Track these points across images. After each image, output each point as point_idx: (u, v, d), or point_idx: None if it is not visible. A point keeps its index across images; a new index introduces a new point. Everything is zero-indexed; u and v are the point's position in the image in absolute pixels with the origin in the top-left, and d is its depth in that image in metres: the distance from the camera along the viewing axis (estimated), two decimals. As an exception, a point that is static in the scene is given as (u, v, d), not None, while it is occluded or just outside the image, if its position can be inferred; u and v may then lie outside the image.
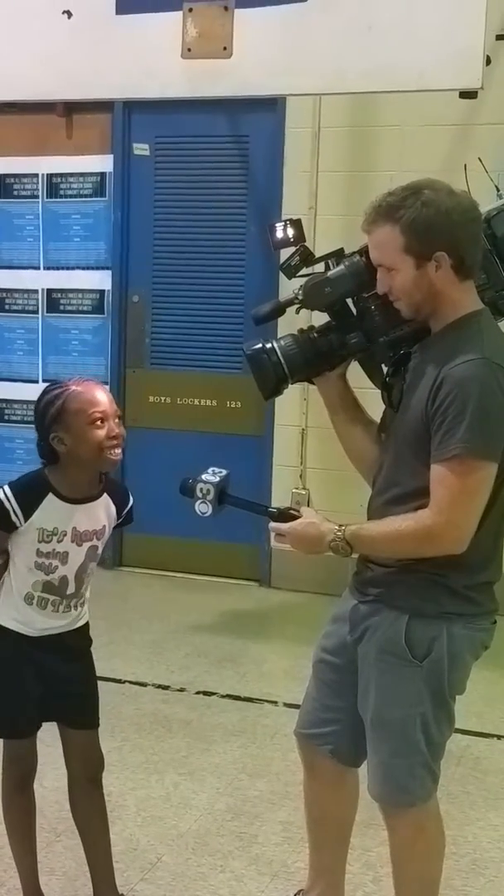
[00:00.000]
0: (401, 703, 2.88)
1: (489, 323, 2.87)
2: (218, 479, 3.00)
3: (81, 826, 3.28)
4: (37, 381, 6.91)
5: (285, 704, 4.88)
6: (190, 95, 5.16)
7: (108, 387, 3.11)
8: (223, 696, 5.09)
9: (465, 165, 3.27)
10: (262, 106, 6.18)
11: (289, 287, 3.11)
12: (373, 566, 2.94)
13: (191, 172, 6.70)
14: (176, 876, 3.60)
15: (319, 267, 3.06)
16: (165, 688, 5.17)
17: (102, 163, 6.83)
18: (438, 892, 3.09)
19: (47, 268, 7.05)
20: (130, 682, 5.19)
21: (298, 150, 6.31)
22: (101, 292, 6.93)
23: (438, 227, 2.76)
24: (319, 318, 3.10)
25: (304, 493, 6.48)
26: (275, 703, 4.99)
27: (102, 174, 6.84)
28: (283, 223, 3.11)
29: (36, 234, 7.05)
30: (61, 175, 6.95)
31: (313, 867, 3.30)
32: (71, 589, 3.09)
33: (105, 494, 3.11)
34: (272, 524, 2.99)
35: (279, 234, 3.11)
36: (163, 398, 6.88)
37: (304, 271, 3.08)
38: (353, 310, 3.03)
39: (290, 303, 3.06)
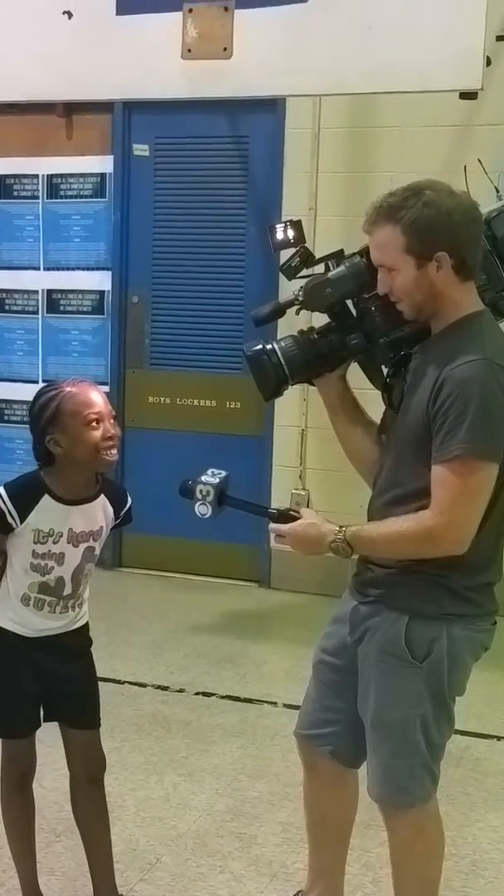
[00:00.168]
0: (401, 704, 2.88)
1: (490, 324, 2.87)
2: (217, 480, 3.00)
3: (82, 826, 3.28)
4: (37, 382, 6.90)
5: (285, 705, 4.88)
6: (190, 96, 5.16)
7: (102, 387, 3.11)
8: (223, 697, 5.09)
9: (465, 167, 3.27)
10: (262, 107, 6.18)
11: (288, 288, 3.11)
12: (373, 567, 2.94)
13: (191, 173, 6.70)
14: (175, 876, 3.60)
15: (319, 268, 3.06)
16: (165, 688, 5.17)
17: (102, 163, 6.83)
18: (438, 893, 3.10)
19: (47, 268, 7.05)
20: (130, 683, 5.19)
21: (298, 151, 6.31)
22: (101, 293, 6.93)
23: (439, 227, 2.76)
24: (319, 320, 3.10)
25: (303, 493, 6.47)
26: (274, 703, 4.99)
27: (102, 175, 6.84)
28: (283, 224, 3.11)
29: (36, 234, 7.05)
30: (61, 176, 6.94)
31: (313, 868, 3.30)
32: (67, 590, 3.09)
33: (102, 495, 3.11)
34: (272, 525, 2.99)
35: (279, 235, 3.11)
36: (162, 399, 6.88)
37: (304, 272, 3.08)
38: (354, 311, 3.04)
39: (290, 304, 3.06)
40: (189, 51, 4.87)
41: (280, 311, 3.11)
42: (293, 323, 3.27)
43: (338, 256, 3.04)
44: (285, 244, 3.11)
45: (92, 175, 6.87)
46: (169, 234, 6.80)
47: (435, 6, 4.57)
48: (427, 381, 2.79)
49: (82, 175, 6.90)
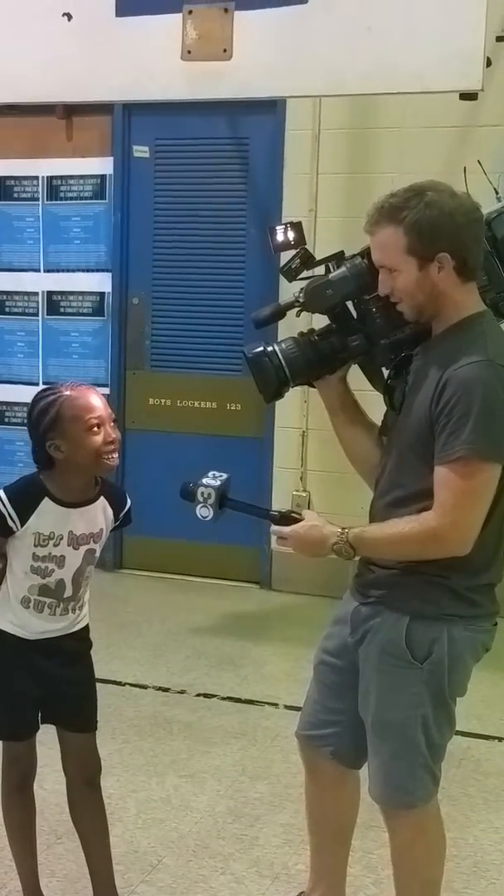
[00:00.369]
0: (401, 704, 2.88)
1: (492, 325, 2.87)
2: (219, 482, 3.00)
3: (81, 829, 3.27)
4: (37, 384, 6.89)
5: (286, 706, 4.88)
6: (190, 97, 5.17)
7: (102, 389, 3.11)
8: (224, 699, 5.09)
9: (465, 168, 3.27)
10: (261, 108, 6.18)
11: (288, 289, 3.11)
12: (374, 568, 2.94)
13: (191, 175, 6.70)
14: (176, 878, 3.60)
15: (320, 270, 3.06)
16: (166, 690, 5.17)
17: (102, 165, 6.84)
18: (439, 894, 3.09)
19: (47, 270, 7.05)
20: (131, 685, 5.18)
21: (298, 152, 6.32)
22: (102, 294, 6.93)
23: (441, 228, 2.76)
24: (319, 322, 3.10)
25: (304, 495, 6.47)
26: (275, 705, 4.99)
27: (102, 176, 6.84)
28: (283, 226, 3.11)
29: (36, 236, 7.05)
30: (61, 177, 6.95)
31: (314, 869, 3.30)
32: (68, 592, 3.09)
33: (102, 497, 3.10)
34: (274, 527, 2.99)
35: (280, 237, 3.11)
36: (163, 400, 6.88)
37: (304, 274, 3.08)
38: (354, 312, 3.04)
39: (290, 306, 3.06)
40: (189, 52, 4.87)
41: (280, 312, 3.11)
42: (293, 325, 3.27)
43: (338, 258, 3.04)
44: (286, 246, 3.11)
45: (92, 177, 6.88)
46: (169, 236, 6.80)
47: (435, 7, 4.57)
48: (429, 381, 2.79)
49: (82, 177, 6.91)
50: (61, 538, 3.03)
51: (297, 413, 6.33)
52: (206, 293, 6.72)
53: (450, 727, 2.95)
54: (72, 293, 7.02)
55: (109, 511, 3.13)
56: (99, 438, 2.95)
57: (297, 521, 2.95)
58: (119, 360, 6.92)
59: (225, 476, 3.03)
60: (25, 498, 3.01)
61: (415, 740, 2.88)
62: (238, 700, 5.07)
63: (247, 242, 6.55)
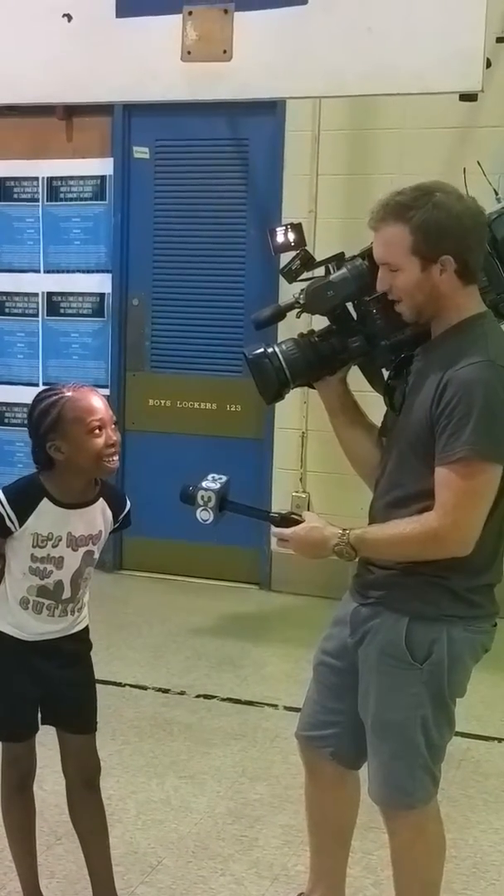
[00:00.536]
0: (401, 705, 2.88)
1: (493, 326, 2.87)
2: (218, 485, 2.99)
3: (80, 830, 3.27)
4: (37, 385, 6.89)
5: (286, 708, 4.88)
6: (190, 98, 5.17)
7: (102, 390, 3.10)
8: (223, 700, 5.09)
9: (465, 169, 3.26)
10: (261, 109, 6.18)
11: (288, 290, 3.11)
12: (373, 569, 2.94)
13: (191, 175, 6.70)
14: (176, 879, 3.60)
15: (320, 271, 3.06)
16: (166, 691, 5.16)
17: (102, 166, 6.84)
18: (439, 895, 3.09)
19: (47, 271, 7.05)
20: (131, 686, 5.18)
21: (298, 154, 6.32)
22: (101, 295, 6.93)
23: (448, 230, 2.76)
24: (319, 323, 3.10)
25: (304, 496, 6.47)
26: (275, 706, 4.99)
27: (102, 177, 6.84)
28: (283, 227, 3.11)
29: (36, 237, 7.05)
30: (61, 178, 6.95)
31: (314, 870, 3.30)
32: (66, 594, 3.09)
33: (101, 499, 3.10)
34: (275, 530, 2.98)
35: (280, 238, 3.11)
36: (163, 401, 6.88)
37: (304, 275, 3.08)
38: (355, 314, 3.04)
39: (290, 307, 3.06)
40: (189, 53, 4.87)
41: (281, 314, 3.11)
42: (293, 326, 3.27)
43: (338, 259, 3.04)
44: (286, 247, 3.11)
45: (92, 177, 6.88)
46: (169, 237, 6.80)
47: (435, 8, 4.57)
48: (430, 382, 2.79)
49: (82, 177, 6.91)
50: (60, 539, 3.03)
51: (297, 414, 6.33)
52: (206, 294, 6.72)
53: (449, 728, 2.95)
54: (72, 294, 7.02)
55: (109, 513, 3.13)
56: (100, 441, 2.95)
57: (297, 522, 2.95)
58: (119, 361, 6.92)
59: (224, 479, 3.02)
60: (24, 498, 3.01)
61: (414, 741, 2.88)
62: (238, 701, 5.07)
63: (247, 243, 6.55)
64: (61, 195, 6.97)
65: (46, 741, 3.23)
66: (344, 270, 2.99)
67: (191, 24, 4.85)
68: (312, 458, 6.43)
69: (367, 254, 2.95)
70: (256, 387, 3.07)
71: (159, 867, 3.67)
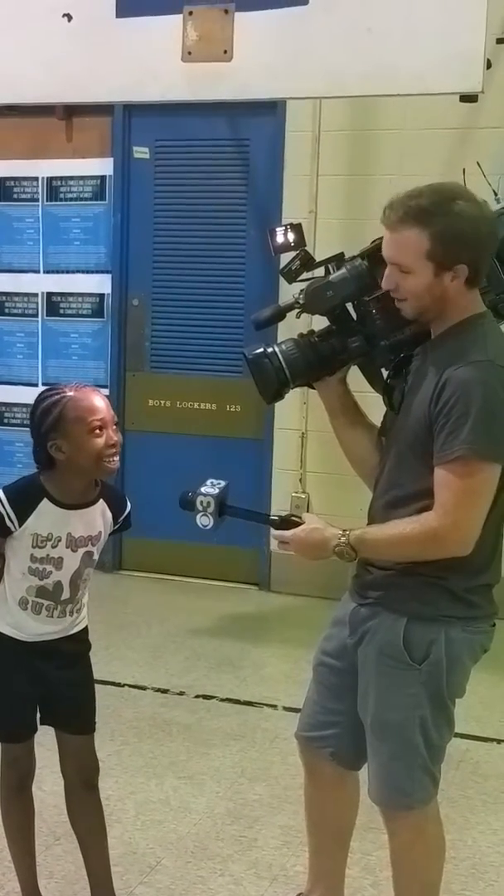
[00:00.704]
0: (400, 706, 2.88)
1: (492, 326, 2.87)
2: (217, 490, 2.99)
3: (79, 830, 3.27)
4: (36, 385, 6.90)
5: (285, 708, 4.88)
6: (190, 99, 5.16)
7: (102, 390, 3.10)
8: (223, 700, 5.08)
9: (464, 169, 3.26)
10: (262, 109, 6.18)
11: (288, 291, 3.11)
12: (372, 569, 2.94)
13: (191, 176, 6.69)
14: (175, 879, 3.60)
15: (320, 271, 3.06)
16: (165, 691, 5.16)
17: (102, 166, 6.83)
18: (438, 895, 3.09)
19: (47, 271, 7.05)
20: (130, 686, 5.18)
21: (298, 154, 6.31)
22: (101, 296, 6.93)
23: (467, 240, 2.75)
24: (319, 323, 3.10)
25: (303, 496, 6.47)
26: (274, 706, 4.99)
27: (102, 177, 6.84)
28: (283, 227, 3.11)
29: (36, 237, 7.05)
30: (61, 178, 6.95)
31: (313, 871, 3.30)
32: (65, 594, 3.08)
33: (101, 500, 3.10)
34: (275, 532, 2.98)
35: (280, 238, 3.11)
36: (162, 402, 6.88)
37: (304, 276, 3.07)
38: (354, 314, 3.04)
39: (290, 307, 3.06)
40: (189, 53, 4.87)
41: (280, 314, 3.11)
42: (293, 326, 3.27)
43: (338, 259, 3.04)
44: (285, 247, 3.11)
45: (92, 178, 6.88)
46: (169, 237, 6.80)
47: (435, 9, 4.56)
48: (429, 382, 2.79)
49: (82, 178, 6.90)
50: (59, 540, 3.03)
51: (297, 414, 6.33)
52: (205, 295, 6.72)
53: (449, 728, 2.95)
54: (71, 294, 7.01)
55: (108, 514, 3.13)
56: (101, 441, 2.95)
57: (297, 524, 2.95)
58: (119, 362, 6.91)
59: (223, 483, 3.02)
60: (24, 498, 3.01)
61: (413, 742, 2.88)
62: (237, 701, 5.07)
63: (247, 244, 6.54)
64: (61, 195, 6.96)
65: (45, 742, 3.23)
66: (343, 271, 2.99)
67: (191, 24, 4.84)
68: (312, 458, 6.43)
69: (367, 254, 2.95)
70: (256, 386, 3.07)
71: (158, 867, 3.67)
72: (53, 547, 3.03)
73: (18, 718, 3.16)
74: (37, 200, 7.01)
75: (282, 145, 6.37)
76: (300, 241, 3.10)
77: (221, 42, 4.81)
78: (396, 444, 2.91)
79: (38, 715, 3.18)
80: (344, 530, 2.87)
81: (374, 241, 2.92)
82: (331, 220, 6.08)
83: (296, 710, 3.32)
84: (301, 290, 3.03)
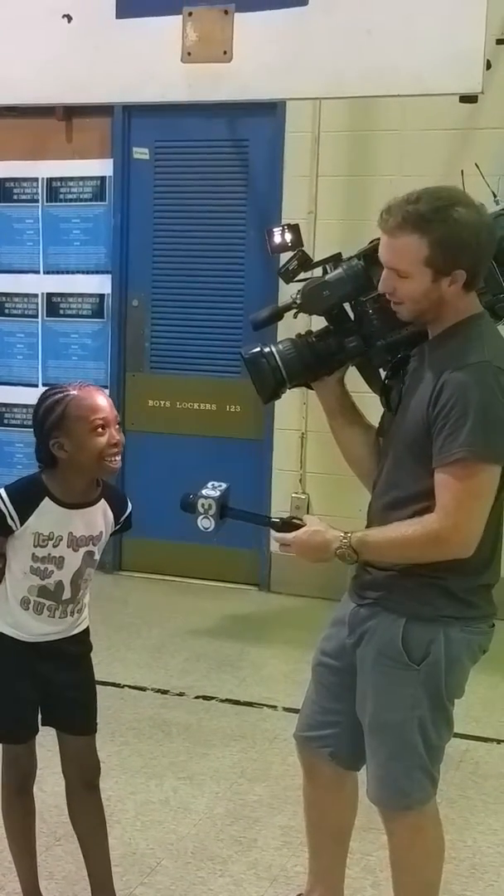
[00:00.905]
0: (398, 706, 2.88)
1: (489, 327, 2.87)
2: (218, 493, 2.99)
3: (79, 831, 3.27)
4: (36, 385, 6.90)
5: (284, 709, 4.88)
6: (190, 100, 5.16)
7: (107, 391, 3.10)
8: (222, 701, 5.09)
9: (462, 171, 3.26)
10: (261, 110, 6.18)
11: (287, 291, 3.12)
12: (371, 570, 2.93)
13: (190, 176, 6.69)
14: (175, 880, 3.60)
15: (318, 272, 3.06)
16: (165, 692, 5.16)
17: (102, 167, 6.83)
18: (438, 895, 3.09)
19: (47, 272, 7.05)
20: (130, 687, 5.18)
21: (298, 155, 6.31)
22: (101, 296, 6.93)
23: (465, 247, 2.74)
24: (319, 324, 3.10)
25: (303, 497, 6.47)
26: (274, 707, 4.99)
27: (102, 178, 6.84)
28: (280, 228, 3.11)
29: (36, 238, 7.05)
30: (61, 179, 6.95)
31: (312, 871, 3.30)
32: (67, 594, 3.09)
33: (103, 500, 3.10)
34: (277, 535, 2.98)
35: (277, 238, 3.11)
36: (162, 402, 6.88)
37: (301, 276, 3.08)
38: (351, 314, 3.04)
39: (288, 307, 3.07)
40: (189, 54, 4.87)
41: (278, 314, 3.12)
42: (292, 327, 3.27)
43: (335, 260, 3.04)
44: (283, 248, 3.12)
45: (92, 178, 6.88)
46: (169, 238, 6.80)
47: (435, 9, 4.56)
48: (426, 383, 2.79)
49: (82, 178, 6.90)
50: (61, 539, 3.03)
51: (297, 415, 6.33)
52: (205, 295, 6.72)
53: (448, 729, 2.95)
54: (71, 295, 7.01)
55: (110, 514, 3.13)
56: (103, 440, 2.95)
57: (299, 527, 2.96)
58: (119, 362, 6.92)
59: (224, 486, 3.03)
60: (26, 497, 3.01)
61: (412, 742, 2.88)
62: (237, 702, 5.07)
63: (246, 244, 6.55)
64: (61, 196, 6.97)
65: (46, 742, 3.23)
66: (340, 271, 2.99)
67: (191, 24, 4.84)
68: (312, 459, 6.43)
69: (364, 254, 2.95)
70: (254, 385, 3.07)
71: (158, 868, 3.67)
72: (55, 546, 3.03)
73: (20, 719, 3.16)
74: (37, 201, 7.02)
75: (281, 146, 6.37)
76: (297, 242, 3.10)
77: (221, 43, 4.81)
78: (394, 445, 2.91)
79: (40, 716, 3.18)
80: (345, 532, 2.87)
81: (372, 241, 2.92)
82: (330, 220, 6.08)
83: (296, 711, 3.32)
84: (298, 290, 3.03)
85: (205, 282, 6.70)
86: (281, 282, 3.19)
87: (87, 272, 6.96)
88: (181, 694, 5.15)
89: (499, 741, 4.71)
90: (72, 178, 6.92)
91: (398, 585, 2.86)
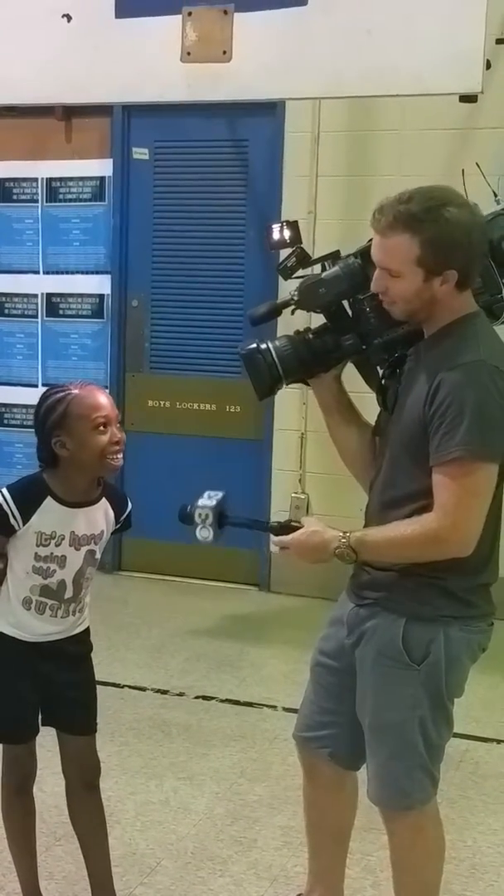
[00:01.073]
0: (398, 706, 2.88)
1: (485, 326, 2.87)
2: (215, 502, 3.00)
3: (80, 831, 3.27)
4: (36, 386, 6.91)
5: (284, 709, 4.87)
6: (189, 99, 5.16)
7: (107, 391, 3.11)
8: (222, 701, 5.08)
9: (463, 170, 3.26)
10: (261, 110, 6.18)
11: (288, 290, 3.11)
12: (370, 569, 2.93)
13: (190, 176, 6.70)
14: (175, 880, 3.60)
15: (316, 269, 3.06)
16: (164, 692, 5.16)
17: (102, 167, 6.84)
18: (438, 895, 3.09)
19: (47, 272, 7.05)
20: (130, 687, 5.18)
21: (298, 154, 6.31)
22: (101, 296, 6.93)
23: (457, 247, 2.74)
24: (318, 322, 3.11)
25: (303, 497, 6.47)
26: (274, 707, 4.99)
27: (102, 178, 6.84)
28: (279, 224, 3.12)
29: (35, 238, 7.05)
30: (61, 179, 6.95)
31: (312, 871, 3.30)
32: (69, 593, 3.08)
33: (104, 499, 3.11)
34: (275, 538, 2.98)
35: (276, 235, 3.12)
36: (162, 402, 6.88)
37: (300, 273, 3.08)
38: (349, 312, 3.04)
39: (285, 304, 3.07)
40: (188, 54, 4.87)
41: (276, 311, 3.12)
42: (291, 324, 3.27)
43: (334, 257, 3.05)
44: (281, 244, 3.12)
45: (91, 178, 6.88)
46: (168, 238, 6.80)
47: (434, 9, 4.56)
48: (422, 383, 2.79)
49: (81, 178, 6.91)
50: (63, 538, 3.03)
51: (296, 415, 6.33)
52: (205, 295, 6.72)
53: (448, 728, 2.95)
54: (71, 295, 7.01)
55: (111, 513, 3.13)
56: (104, 438, 2.96)
57: (297, 529, 2.95)
58: (118, 363, 6.92)
59: (220, 494, 3.03)
60: (28, 496, 3.02)
61: (412, 742, 2.88)
62: (237, 702, 5.07)
63: (246, 244, 6.55)
64: (60, 196, 6.97)
65: (46, 743, 3.23)
66: (337, 268, 3.00)
67: (190, 24, 4.84)
68: (312, 459, 6.43)
69: (362, 253, 2.95)
70: (251, 382, 3.07)
71: (158, 868, 3.67)
72: (57, 545, 3.04)
73: (20, 719, 3.16)
74: (36, 201, 7.02)
75: (281, 146, 6.38)
76: (296, 238, 3.10)
77: (220, 43, 4.81)
78: (391, 445, 2.91)
79: (40, 716, 3.18)
80: (344, 532, 2.86)
81: (370, 239, 2.92)
82: (330, 220, 6.08)
83: (295, 711, 3.31)
84: (296, 287, 3.03)
85: (204, 282, 6.71)
86: (281, 281, 3.19)
87: (87, 272, 6.96)
88: (181, 694, 5.15)
89: (499, 741, 4.71)
90: (71, 179, 6.92)
91: (398, 585, 2.86)
